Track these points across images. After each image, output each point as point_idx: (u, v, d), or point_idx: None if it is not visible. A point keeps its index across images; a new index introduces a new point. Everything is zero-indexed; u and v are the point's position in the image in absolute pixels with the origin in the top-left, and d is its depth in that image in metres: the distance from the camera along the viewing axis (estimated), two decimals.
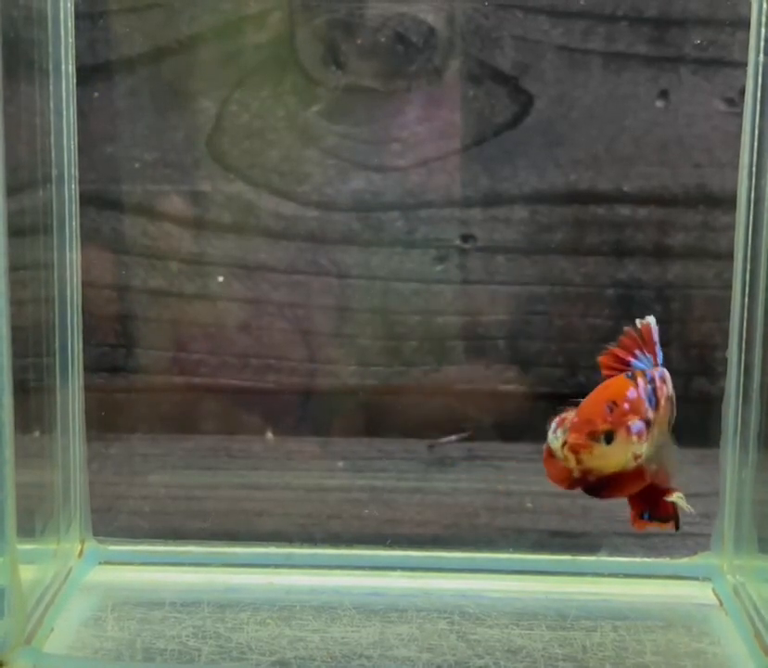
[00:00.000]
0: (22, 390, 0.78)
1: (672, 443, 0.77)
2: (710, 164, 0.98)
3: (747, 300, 0.86)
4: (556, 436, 0.70)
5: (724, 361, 0.89)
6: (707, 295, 0.99)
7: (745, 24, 0.86)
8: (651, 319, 0.77)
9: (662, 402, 0.75)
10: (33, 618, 0.80)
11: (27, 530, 0.82)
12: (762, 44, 0.84)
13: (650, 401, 0.73)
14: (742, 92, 0.87)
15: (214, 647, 0.79)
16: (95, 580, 0.89)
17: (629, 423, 0.71)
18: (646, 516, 0.75)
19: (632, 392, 0.72)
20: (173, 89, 0.99)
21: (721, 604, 0.86)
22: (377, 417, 1.04)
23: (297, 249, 1.01)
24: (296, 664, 0.77)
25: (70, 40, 0.88)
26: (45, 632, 0.80)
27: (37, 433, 0.87)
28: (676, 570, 0.90)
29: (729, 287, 0.88)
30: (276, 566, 0.91)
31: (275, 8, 0.97)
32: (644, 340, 0.77)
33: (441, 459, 1.03)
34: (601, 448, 0.70)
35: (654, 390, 0.74)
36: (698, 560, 0.90)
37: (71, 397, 0.91)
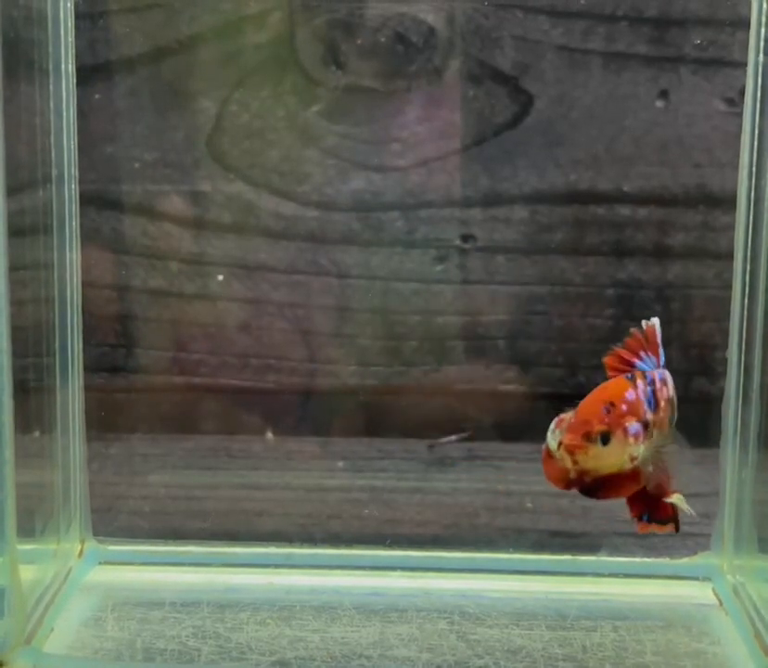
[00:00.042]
0: (22, 390, 0.78)
1: (674, 444, 0.77)
2: (710, 164, 0.98)
3: (747, 300, 0.86)
4: (553, 436, 0.70)
5: (724, 361, 0.89)
6: (707, 295, 0.99)
7: (745, 24, 0.86)
8: (655, 321, 0.77)
9: (662, 404, 0.75)
10: (33, 618, 0.80)
11: (27, 530, 0.82)
12: (762, 44, 0.84)
13: (650, 402, 0.73)
14: (742, 92, 0.87)
15: (214, 647, 0.79)
16: (95, 580, 0.89)
17: (626, 424, 0.71)
18: (645, 518, 0.75)
19: (630, 394, 0.72)
20: (173, 89, 0.99)
21: (721, 604, 0.86)
22: (377, 417, 1.04)
23: (297, 249, 1.01)
24: (296, 664, 0.77)
25: (70, 40, 0.88)
26: (45, 632, 0.80)
27: (37, 433, 0.87)
28: (676, 570, 0.90)
29: (729, 287, 0.88)
30: (276, 566, 0.91)
31: (275, 8, 0.97)
32: (648, 342, 0.77)
33: (441, 459, 1.03)
34: (597, 449, 0.70)
35: (654, 391, 0.74)
36: (698, 560, 0.90)
37: (71, 397, 0.91)
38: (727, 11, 0.95)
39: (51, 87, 0.87)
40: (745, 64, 0.86)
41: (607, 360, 0.76)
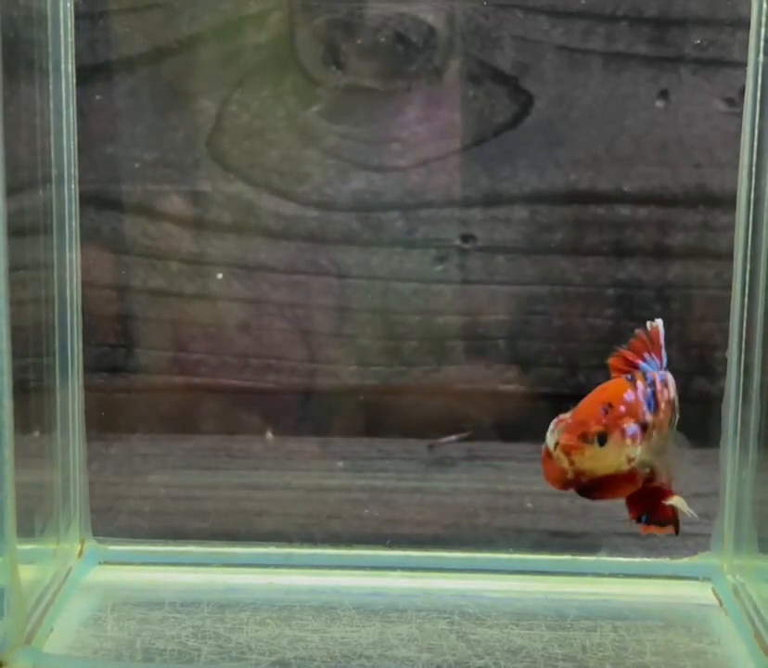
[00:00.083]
0: (22, 390, 0.78)
1: (675, 446, 0.77)
2: (710, 164, 0.98)
3: (747, 300, 0.86)
4: (552, 437, 0.71)
5: (724, 361, 0.89)
6: (707, 295, 0.99)
7: (745, 24, 0.86)
8: (659, 322, 0.77)
9: (663, 405, 0.74)
10: (33, 618, 0.80)
11: (27, 530, 0.82)
12: (762, 44, 0.84)
13: (649, 404, 0.73)
14: (742, 92, 0.87)
15: (214, 647, 0.79)
16: (94, 580, 0.89)
17: (624, 426, 0.71)
18: (644, 519, 0.75)
19: (629, 395, 0.72)
20: (173, 89, 0.99)
21: (721, 604, 0.86)
22: (377, 417, 1.04)
23: (297, 249, 1.01)
24: (296, 664, 0.77)
25: (70, 40, 0.88)
26: (45, 632, 0.80)
27: (37, 433, 0.87)
28: (676, 570, 0.90)
29: (729, 287, 0.88)
30: (276, 566, 0.91)
31: (275, 8, 0.97)
32: (652, 343, 0.77)
33: (441, 459, 1.03)
34: (593, 450, 0.70)
35: (654, 393, 0.74)
36: (698, 560, 0.90)
37: (71, 397, 0.91)
38: (727, 11, 0.95)
39: (51, 87, 0.87)
40: (745, 64, 0.86)
41: (611, 361, 0.76)
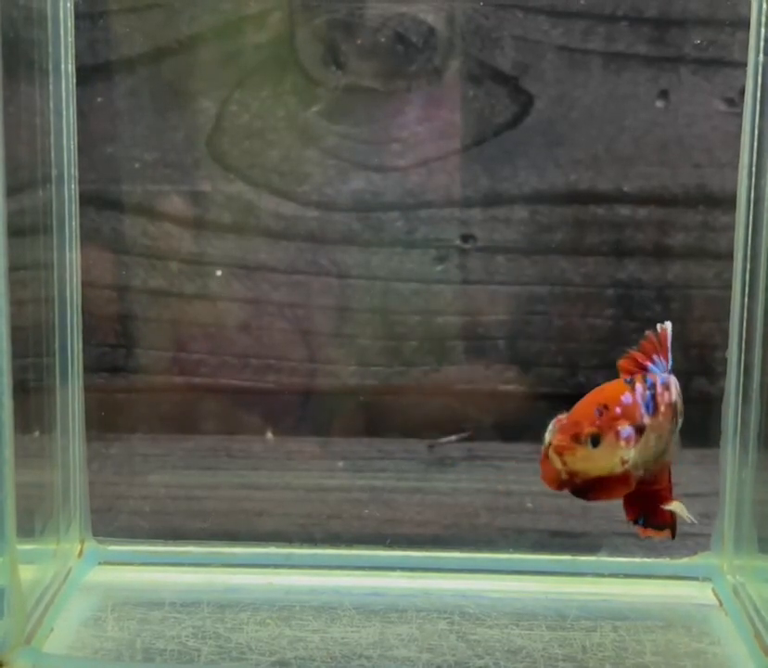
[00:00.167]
0: (22, 390, 0.78)
1: (675, 450, 0.77)
2: (710, 164, 0.98)
3: (747, 300, 0.86)
4: (548, 437, 0.71)
5: (724, 361, 0.89)
6: (707, 295, 0.99)
7: (745, 24, 0.86)
8: (668, 325, 0.77)
9: (662, 408, 0.74)
10: (33, 618, 0.80)
11: (27, 530, 0.82)
12: (762, 44, 0.84)
13: (647, 407, 0.73)
14: (742, 92, 0.87)
15: (214, 647, 0.79)
16: (94, 580, 0.89)
17: (618, 428, 0.71)
18: (641, 522, 0.75)
19: (627, 397, 0.72)
20: (173, 89, 0.99)
21: (721, 604, 0.86)
22: (377, 417, 1.04)
23: (297, 249, 1.01)
24: (296, 664, 0.77)
25: (70, 40, 0.88)
26: (45, 632, 0.80)
27: (37, 433, 0.87)
28: (676, 570, 0.90)
29: (729, 287, 0.88)
30: (276, 566, 0.91)
31: (275, 8, 0.97)
32: (660, 345, 0.77)
33: (441, 459, 1.03)
34: (586, 451, 0.70)
35: (654, 396, 0.74)
36: (698, 560, 0.90)
37: (71, 397, 0.91)
38: (727, 11, 0.95)
39: (51, 87, 0.87)
40: (745, 64, 0.86)
41: (621, 363, 0.76)
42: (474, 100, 0.99)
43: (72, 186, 0.90)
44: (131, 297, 1.02)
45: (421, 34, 0.97)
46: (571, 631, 0.82)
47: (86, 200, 0.92)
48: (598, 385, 0.74)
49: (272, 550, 0.92)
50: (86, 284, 0.92)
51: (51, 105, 0.87)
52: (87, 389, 0.92)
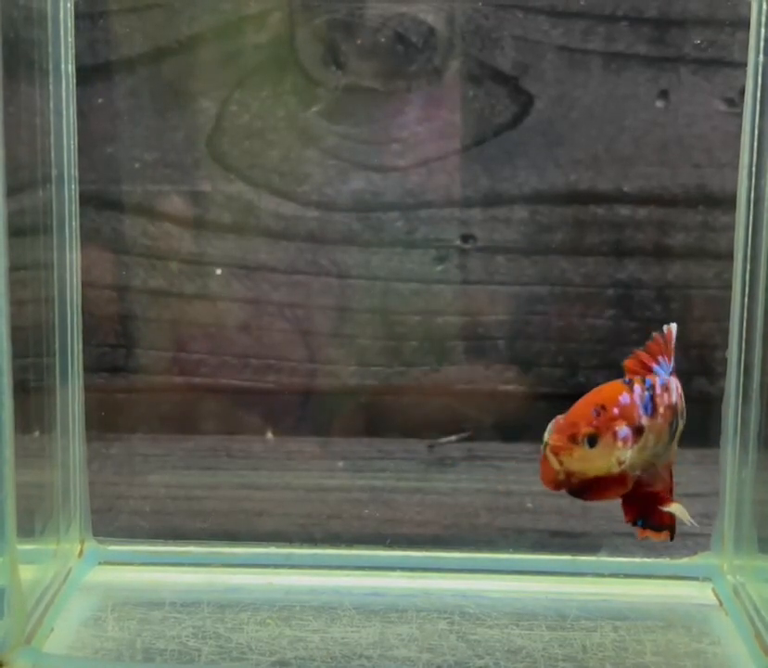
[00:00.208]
0: (22, 390, 0.78)
1: (675, 451, 0.77)
2: (710, 164, 0.98)
3: (747, 300, 0.86)
4: (546, 437, 0.71)
5: (724, 361, 0.89)
6: (707, 295, 0.99)
7: (745, 24, 0.86)
8: (673, 326, 0.77)
9: (661, 410, 0.74)
10: (33, 618, 0.80)
11: (27, 530, 0.82)
12: (762, 44, 0.84)
13: (646, 408, 0.73)
14: (742, 92, 0.87)
15: (214, 647, 0.79)
16: (95, 580, 0.89)
17: (615, 428, 0.71)
18: (639, 523, 0.75)
19: (624, 398, 0.72)
20: (173, 89, 0.99)
21: (721, 604, 0.86)
22: (377, 417, 1.04)
23: (297, 249, 1.01)
24: (296, 664, 0.77)
25: (70, 40, 0.88)
26: (45, 632, 0.80)
27: (37, 433, 0.87)
28: (676, 570, 0.90)
29: (729, 287, 0.88)
30: (276, 566, 0.91)
31: (275, 8, 0.97)
32: (665, 347, 0.77)
33: (441, 459, 1.03)
34: (582, 451, 0.70)
35: (652, 397, 0.74)
36: (698, 560, 0.90)
37: (71, 397, 0.91)
38: (727, 11, 0.95)
39: (51, 87, 0.87)
40: (745, 64, 0.86)
41: (627, 363, 0.76)
42: (474, 100, 0.99)
43: (72, 186, 0.90)
44: (131, 297, 1.02)
45: (421, 34, 0.97)
46: (571, 631, 0.82)
47: (86, 200, 0.92)
48: (598, 385, 0.74)
49: (272, 550, 0.92)
50: (86, 284, 0.92)
51: (51, 105, 0.87)
52: (87, 389, 0.92)
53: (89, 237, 0.95)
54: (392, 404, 1.03)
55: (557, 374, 1.01)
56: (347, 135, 0.99)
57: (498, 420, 1.03)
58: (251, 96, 0.99)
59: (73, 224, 0.90)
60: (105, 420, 0.98)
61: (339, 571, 0.90)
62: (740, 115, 0.87)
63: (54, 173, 0.88)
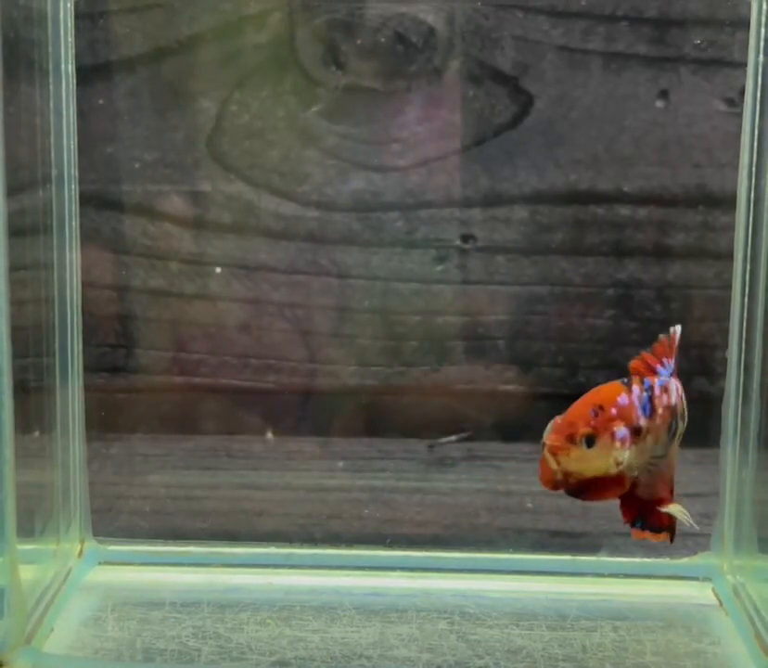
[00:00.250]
0: (22, 390, 0.78)
1: (675, 453, 0.77)
2: (710, 164, 0.98)
3: (747, 300, 0.86)
4: (544, 437, 0.71)
5: (724, 361, 0.89)
6: (707, 295, 0.99)
7: (745, 24, 0.86)
8: (678, 328, 0.77)
9: (660, 411, 0.74)
10: (33, 618, 0.80)
11: (27, 530, 0.82)
12: (762, 44, 0.84)
13: (644, 409, 0.73)
14: (742, 92, 0.87)
15: (214, 647, 0.79)
16: (95, 580, 0.89)
17: (613, 429, 0.71)
18: (638, 524, 0.75)
19: (623, 399, 0.72)
20: (173, 89, 0.99)
21: (721, 604, 0.86)
22: (377, 417, 1.04)
23: (297, 249, 1.01)
24: (296, 664, 0.77)
25: (70, 40, 0.88)
26: (45, 632, 0.80)
27: (37, 433, 0.87)
28: (676, 570, 0.90)
29: (729, 287, 0.88)
30: (276, 566, 0.91)
31: (275, 8, 0.97)
32: (669, 348, 0.77)
33: (441, 459, 1.03)
34: (580, 451, 0.70)
35: (651, 398, 0.74)
36: (698, 560, 0.90)
37: (71, 397, 0.91)
38: (727, 11, 0.95)
39: (51, 87, 0.87)
40: (745, 64, 0.86)
41: (633, 364, 0.76)
42: (474, 100, 0.99)
43: (72, 186, 0.90)
44: (131, 297, 1.02)
45: (421, 34, 0.97)
46: (571, 631, 0.82)
47: (86, 200, 0.92)
48: (598, 385, 0.74)
49: (272, 550, 0.92)
50: (86, 284, 0.92)
51: (51, 105, 0.87)
52: (87, 389, 0.92)
53: (89, 237, 0.95)
54: (392, 404, 1.03)
55: (557, 374, 1.01)
56: (347, 135, 0.99)
57: (498, 420, 1.03)
58: (251, 96, 0.99)
59: (73, 224, 0.90)
60: (105, 420, 0.98)
61: (339, 571, 0.90)
62: (740, 115, 0.87)
63: (54, 173, 0.88)
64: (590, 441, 0.70)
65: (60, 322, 0.89)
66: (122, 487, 1.00)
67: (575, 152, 0.99)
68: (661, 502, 0.75)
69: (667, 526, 0.76)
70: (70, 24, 0.88)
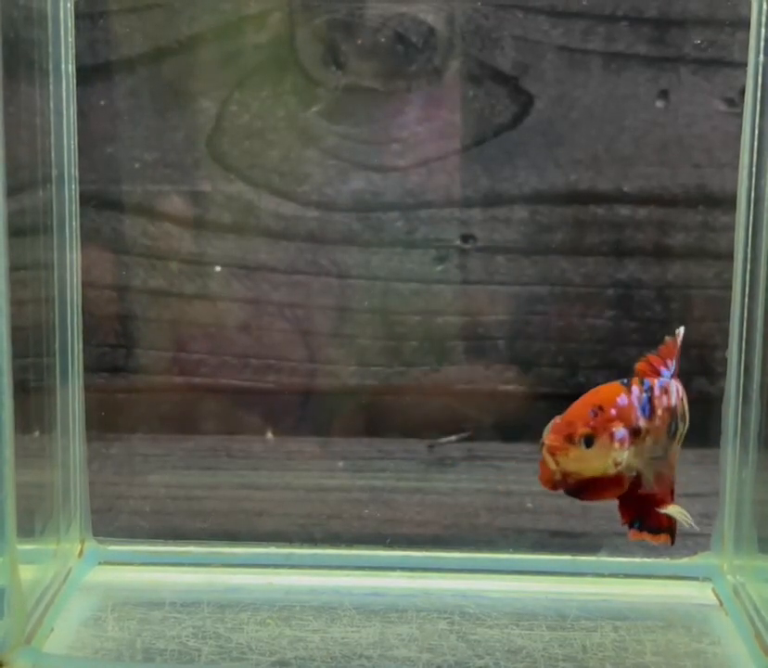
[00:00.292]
0: (22, 390, 0.78)
1: (674, 454, 0.76)
2: (710, 164, 0.98)
3: (747, 300, 0.86)
4: (543, 437, 0.71)
5: (724, 361, 0.89)
6: (707, 295, 0.99)
7: (745, 24, 0.86)
8: (681, 330, 0.78)
9: (660, 412, 0.74)
10: (33, 618, 0.80)
11: (27, 530, 0.82)
12: (762, 44, 0.84)
13: (643, 410, 0.73)
14: (742, 92, 0.87)
15: (214, 647, 0.79)
16: (95, 580, 0.89)
17: (612, 429, 0.71)
18: (636, 525, 0.75)
19: (622, 399, 0.72)
20: (173, 89, 0.99)
21: (721, 604, 0.86)
22: (377, 417, 1.04)
23: (297, 249, 1.01)
24: (296, 664, 0.77)
25: (70, 40, 0.88)
26: (45, 632, 0.80)
27: (37, 433, 0.87)
28: (676, 570, 0.90)
29: (729, 287, 0.88)
30: (276, 566, 0.91)
31: (275, 8, 0.97)
32: (673, 350, 0.77)
33: (441, 459, 1.03)
34: (578, 451, 0.70)
35: (650, 399, 0.74)
36: (698, 560, 0.90)
37: (71, 397, 0.91)
38: (727, 11, 0.95)
39: (51, 87, 0.87)
40: (745, 64, 0.86)
41: (639, 366, 0.77)
42: (474, 100, 0.99)
43: (72, 186, 0.90)
44: (131, 297, 1.02)
45: (421, 34, 0.97)
46: (571, 631, 0.82)
47: (86, 200, 0.92)
48: (598, 385, 0.74)
49: (272, 550, 0.92)
50: (86, 284, 0.92)
51: (51, 105, 0.87)
52: (87, 389, 0.92)
53: (89, 237, 0.95)
54: (392, 404, 1.03)
55: (557, 374, 1.01)
56: (347, 135, 0.99)
57: (498, 420, 1.03)
58: (251, 96, 0.99)
59: (73, 224, 0.90)
60: (105, 420, 0.98)
61: (339, 571, 0.90)
62: (740, 115, 0.87)
63: (54, 173, 0.88)
64: (589, 441, 0.70)
65: (60, 322, 0.89)
66: (122, 487, 1.00)
67: (575, 152, 0.99)
68: (661, 503, 0.75)
69: (666, 527, 0.76)
70: (70, 24, 0.88)
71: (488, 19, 0.97)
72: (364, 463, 1.03)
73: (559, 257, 1.00)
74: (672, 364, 0.77)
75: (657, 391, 0.75)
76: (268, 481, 1.02)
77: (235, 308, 1.02)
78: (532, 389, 1.02)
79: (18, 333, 0.76)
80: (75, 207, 0.90)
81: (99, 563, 0.91)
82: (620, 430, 0.71)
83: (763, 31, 0.84)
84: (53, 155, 0.88)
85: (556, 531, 0.96)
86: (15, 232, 0.77)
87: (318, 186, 1.00)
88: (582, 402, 0.72)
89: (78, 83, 0.89)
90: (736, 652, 0.80)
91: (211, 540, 0.93)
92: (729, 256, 0.88)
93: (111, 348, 1.02)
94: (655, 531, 0.76)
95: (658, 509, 0.75)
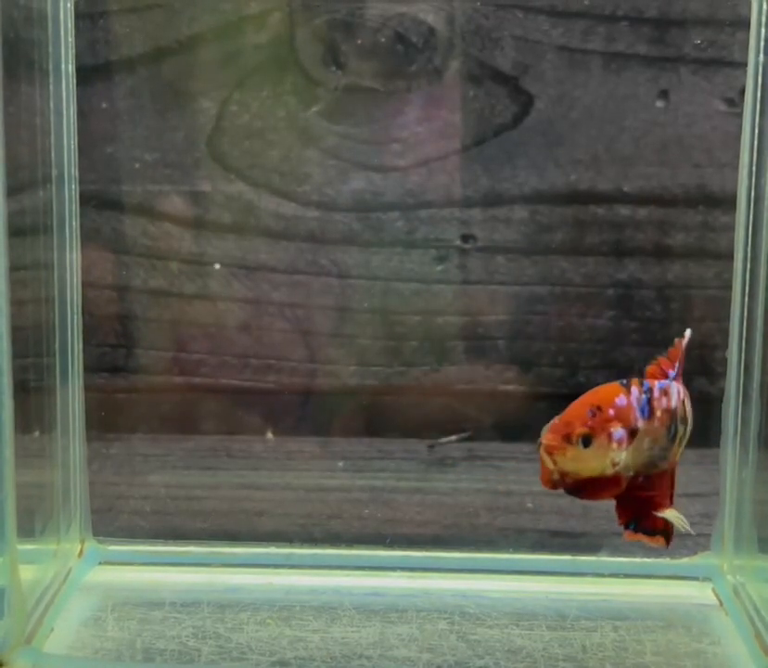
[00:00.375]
0: (22, 390, 0.78)
1: (675, 457, 0.76)
2: (710, 164, 0.98)
3: (747, 300, 0.86)
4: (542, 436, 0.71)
5: (724, 361, 0.89)
6: (707, 295, 0.99)
7: (745, 24, 0.86)
8: (687, 333, 0.78)
9: (658, 413, 0.74)
10: (33, 618, 0.80)
11: (27, 530, 0.82)
12: (762, 44, 0.84)
13: (642, 411, 0.73)
14: (742, 92, 0.87)
15: (214, 647, 0.79)
16: (95, 580, 0.89)
17: (610, 429, 0.71)
18: (632, 526, 0.75)
19: (621, 400, 0.73)
20: (173, 89, 0.99)
21: (721, 604, 0.86)
22: (377, 417, 1.04)
23: (297, 249, 1.01)
24: (296, 664, 0.77)
25: (70, 40, 0.88)
26: (45, 632, 0.80)
27: (37, 433, 0.87)
28: (676, 570, 0.90)
29: (729, 287, 0.88)
30: (276, 566, 0.91)
31: (275, 8, 0.97)
32: (679, 353, 0.77)
33: (441, 459, 1.03)
34: (576, 451, 0.70)
35: (650, 400, 0.74)
36: (698, 560, 0.90)
37: (71, 397, 0.91)
38: (727, 11, 0.95)
39: (51, 87, 0.87)
40: (745, 64, 0.86)
41: (649, 369, 0.77)
42: (474, 100, 0.99)
43: (72, 186, 0.90)
44: (131, 297, 1.02)
45: (421, 34, 0.97)
46: (571, 631, 0.82)
47: (86, 200, 0.92)
48: (598, 385, 0.74)
49: (272, 550, 0.92)
50: (86, 284, 0.92)
51: (51, 105, 0.87)
52: (87, 389, 0.92)
53: (89, 237, 0.95)
54: (392, 404, 1.03)
55: (557, 374, 1.01)
56: (347, 135, 0.99)
57: (498, 420, 1.03)
58: (251, 96, 0.99)
59: (73, 224, 0.90)
60: (105, 420, 0.98)
61: (339, 571, 0.90)
62: (740, 115, 0.87)
63: (54, 173, 0.88)
64: (586, 441, 0.70)
65: (60, 322, 0.89)
66: (122, 487, 1.00)
67: (575, 152, 0.99)
68: (659, 506, 0.75)
69: (662, 530, 0.76)
70: (70, 24, 0.88)
71: (488, 19, 0.97)
72: (365, 463, 1.03)
73: (559, 257, 1.00)
74: (678, 365, 0.77)
75: (656, 393, 0.75)
76: (268, 481, 1.02)
77: (235, 308, 1.02)
78: (532, 389, 1.02)
79: (18, 333, 0.76)
80: (75, 207, 0.90)
81: (99, 563, 0.91)
82: (618, 431, 0.71)
83: (763, 31, 0.84)
84: (53, 155, 0.88)
85: (557, 531, 0.96)
86: (15, 232, 0.77)
87: (318, 186, 1.00)
88: (581, 402, 0.72)
89: (78, 83, 0.89)
90: (736, 652, 0.80)
91: (211, 540, 0.93)
92: (729, 256, 0.88)
93: (111, 348, 1.02)
94: (651, 533, 0.76)
95: (655, 512, 0.75)
